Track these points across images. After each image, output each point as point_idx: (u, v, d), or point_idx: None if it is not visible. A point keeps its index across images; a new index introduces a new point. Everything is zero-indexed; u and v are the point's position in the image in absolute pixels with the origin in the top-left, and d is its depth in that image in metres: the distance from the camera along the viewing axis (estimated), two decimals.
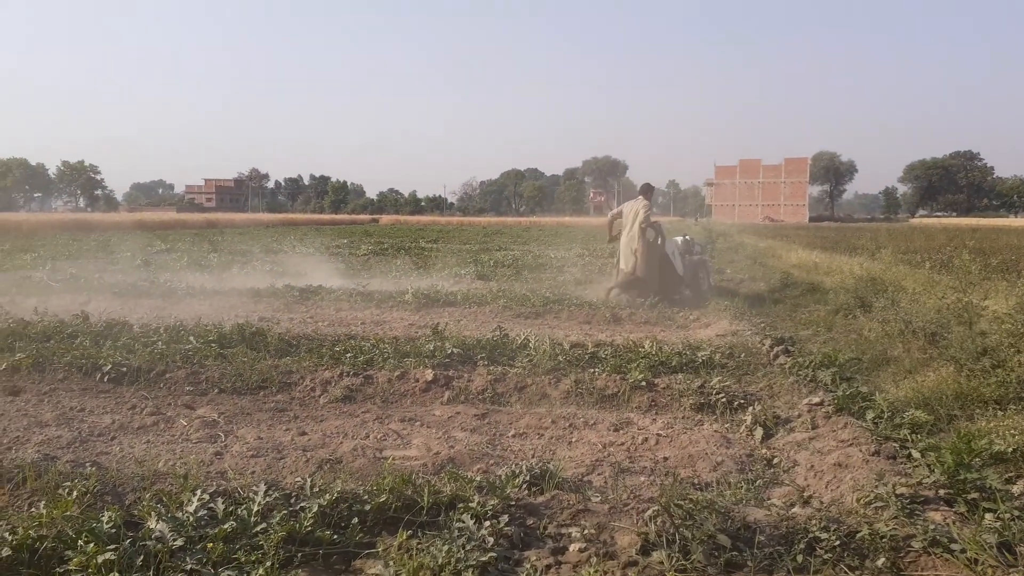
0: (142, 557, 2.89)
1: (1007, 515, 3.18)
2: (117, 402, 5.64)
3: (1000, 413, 4.65)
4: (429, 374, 6.13)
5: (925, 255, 14.56)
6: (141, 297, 11.69)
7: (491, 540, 3.16)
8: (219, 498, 3.43)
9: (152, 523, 3.13)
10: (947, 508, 3.42)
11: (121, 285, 12.79)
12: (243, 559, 2.99)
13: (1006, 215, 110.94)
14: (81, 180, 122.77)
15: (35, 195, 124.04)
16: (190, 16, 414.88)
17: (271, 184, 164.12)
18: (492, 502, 3.46)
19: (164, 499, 3.44)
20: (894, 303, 7.67)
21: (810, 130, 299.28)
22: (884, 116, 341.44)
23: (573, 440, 4.97)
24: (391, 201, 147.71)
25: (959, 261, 7.00)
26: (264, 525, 3.20)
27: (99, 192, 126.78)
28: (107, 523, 3.08)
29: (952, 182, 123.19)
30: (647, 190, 12.03)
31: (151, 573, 2.83)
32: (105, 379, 6.15)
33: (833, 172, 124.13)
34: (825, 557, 3.07)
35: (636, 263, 11.18)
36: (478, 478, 3.75)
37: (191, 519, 3.19)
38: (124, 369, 6.26)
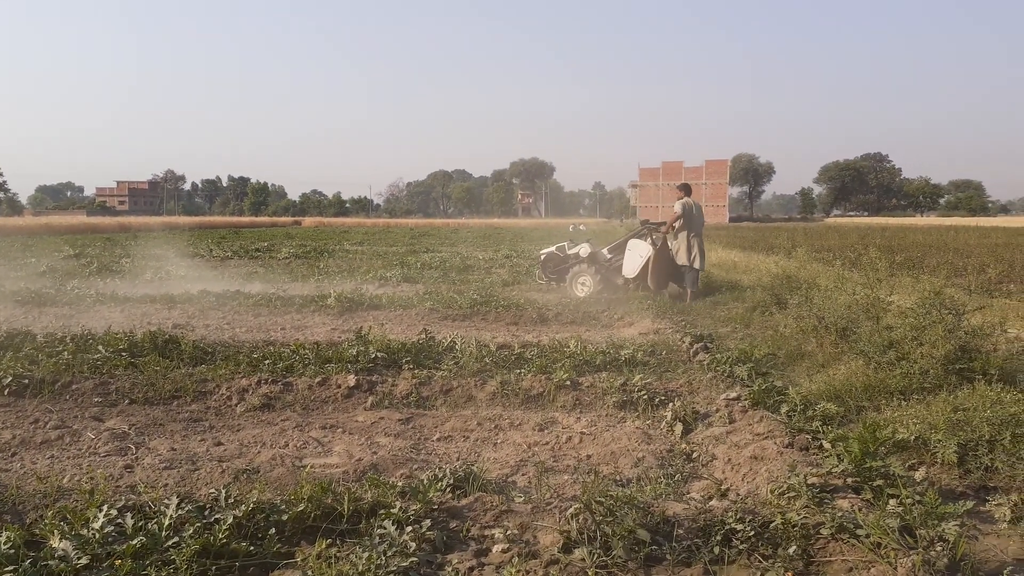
0: None
1: (908, 500, 3.33)
2: (18, 416, 5.35)
3: (904, 403, 4.87)
4: (352, 379, 6.03)
5: (837, 253, 15.18)
6: (46, 305, 11.14)
7: (413, 545, 3.12)
8: (128, 513, 3.29)
9: (55, 541, 2.98)
10: (854, 496, 3.56)
11: (24, 293, 12.14)
12: (154, 575, 2.87)
13: (912, 214, 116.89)
14: None
15: None
16: (102, 8, 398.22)
17: (187, 186, 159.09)
18: (414, 507, 3.43)
19: (68, 516, 3.28)
20: (808, 300, 7.95)
21: (730, 133, 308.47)
22: (801, 118, 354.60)
23: (499, 441, 4.97)
24: (314, 203, 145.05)
25: (867, 259, 7.28)
26: (176, 539, 3.08)
27: (1, 195, 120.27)
28: (5, 544, 2.92)
29: (863, 183, 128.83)
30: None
31: None
32: (5, 392, 5.83)
33: (752, 173, 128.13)
34: (740, 548, 3.16)
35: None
36: (400, 483, 3.71)
37: (97, 536, 3.05)
38: (26, 381, 5.95)
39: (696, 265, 11.79)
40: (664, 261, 11.96)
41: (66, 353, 6.78)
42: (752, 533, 3.19)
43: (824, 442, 4.21)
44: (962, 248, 22.03)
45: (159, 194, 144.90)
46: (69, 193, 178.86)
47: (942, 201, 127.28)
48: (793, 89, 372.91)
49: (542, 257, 13.33)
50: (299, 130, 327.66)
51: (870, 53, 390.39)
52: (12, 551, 2.88)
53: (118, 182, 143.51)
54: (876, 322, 6.24)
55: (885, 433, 3.88)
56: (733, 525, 3.26)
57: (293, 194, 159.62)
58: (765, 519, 3.30)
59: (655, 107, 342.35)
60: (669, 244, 12.17)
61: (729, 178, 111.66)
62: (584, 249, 12.60)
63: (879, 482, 3.56)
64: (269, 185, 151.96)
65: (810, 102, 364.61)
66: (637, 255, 12.04)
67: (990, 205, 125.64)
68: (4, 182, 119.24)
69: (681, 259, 11.92)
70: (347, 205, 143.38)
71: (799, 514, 3.26)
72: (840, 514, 3.18)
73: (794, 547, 3.08)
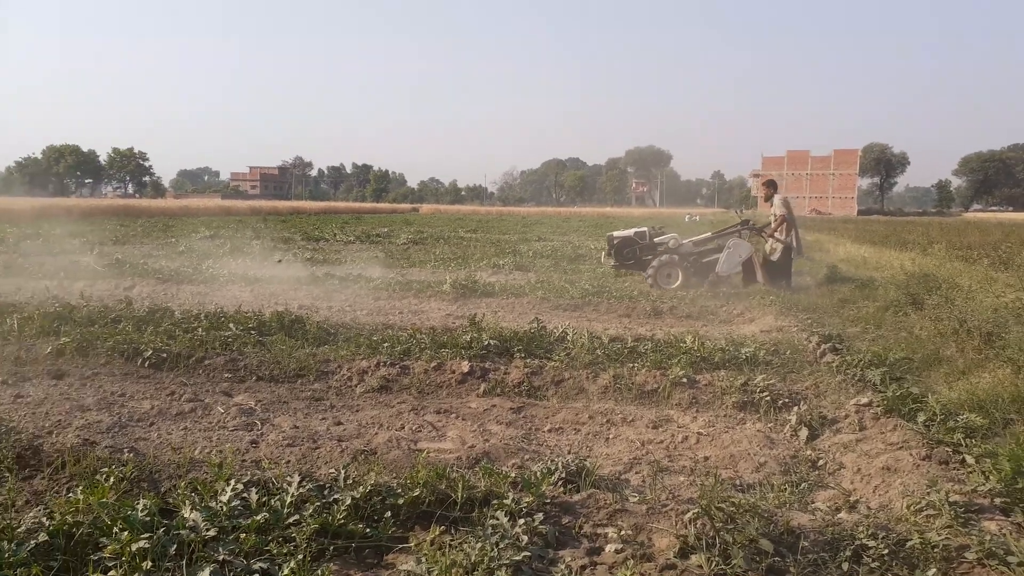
0: (175, 546, 2.88)
1: None
2: (157, 387, 5.70)
3: None
4: (465, 366, 6.08)
5: (980, 251, 14.08)
6: (183, 283, 11.87)
7: (525, 539, 3.09)
8: (253, 488, 3.41)
9: (186, 512, 3.13)
10: (1003, 518, 3.26)
11: (165, 271, 13.01)
12: (275, 551, 2.97)
13: None
14: (130, 167, 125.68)
15: (86, 181, 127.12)
16: (235, 3, 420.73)
17: (314, 172, 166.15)
18: (527, 499, 3.39)
19: (199, 488, 3.44)
20: (948, 301, 7.39)
21: (862, 121, 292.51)
22: (939, 108, 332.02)
23: (611, 437, 4.88)
24: (431, 190, 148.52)
25: (1021, 259, 6.69)
26: (297, 517, 3.17)
27: (147, 179, 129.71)
28: (142, 511, 3.08)
29: (1009, 175, 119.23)
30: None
31: (184, 563, 2.81)
32: (146, 364, 6.23)
33: (884, 164, 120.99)
34: (872, 566, 2.95)
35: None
36: (513, 474, 3.68)
37: (224, 509, 3.17)
38: (164, 355, 6.33)
39: (794, 256, 11.82)
40: (760, 261, 11.77)
41: (200, 329, 7.18)
42: (886, 551, 2.97)
43: (967, 456, 3.88)
44: None
45: (287, 179, 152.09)
46: (206, 177, 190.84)
47: None
48: (933, 77, 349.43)
49: (615, 240, 12.70)
50: (420, 119, 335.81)
51: (1014, 39, 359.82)
52: (148, 519, 3.04)
53: (250, 167, 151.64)
54: None
55: None
56: (864, 541, 3.04)
57: (412, 181, 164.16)
58: (900, 537, 3.07)
59: (781, 94, 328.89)
60: (768, 244, 12.00)
61: (859, 168, 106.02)
62: (674, 240, 12.27)
63: None
64: (390, 172, 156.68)
65: (951, 90, 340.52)
66: (737, 255, 11.68)
67: None
68: (150, 166, 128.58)
69: (777, 256, 11.75)
70: (462, 192, 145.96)
71: (940, 534, 3.01)
72: (988, 537, 2.91)
73: (933, 570, 2.84)
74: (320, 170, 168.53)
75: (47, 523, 2.95)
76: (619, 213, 72.92)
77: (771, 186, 12.66)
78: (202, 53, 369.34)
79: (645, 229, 12.86)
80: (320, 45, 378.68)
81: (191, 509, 3.14)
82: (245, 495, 3.34)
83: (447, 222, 42.93)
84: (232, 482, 3.38)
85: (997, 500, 3.35)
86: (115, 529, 2.94)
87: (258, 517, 3.11)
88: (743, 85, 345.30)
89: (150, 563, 2.76)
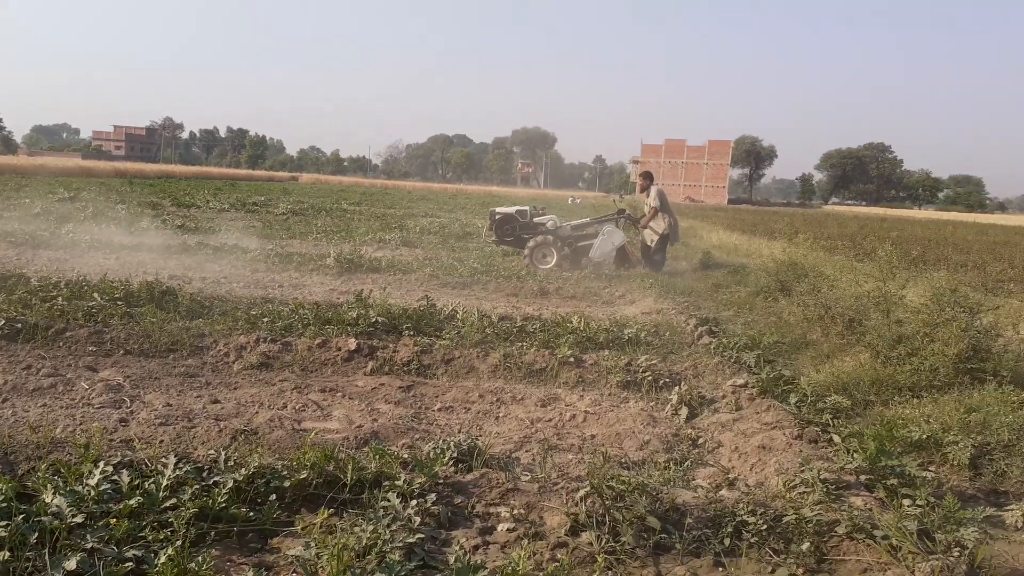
0: (36, 534, 2.65)
1: (924, 502, 3.27)
2: (11, 361, 5.23)
3: (915, 400, 4.81)
4: (352, 343, 5.92)
5: (840, 242, 15.08)
6: (40, 248, 10.97)
7: (418, 520, 3.04)
8: (124, 470, 3.19)
9: (48, 496, 2.88)
10: (867, 494, 3.50)
11: (18, 234, 11.97)
12: (151, 537, 2.78)
13: (911, 207, 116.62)
14: None
15: None
16: None
17: (185, 135, 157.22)
18: (419, 480, 3.34)
19: (62, 470, 3.18)
20: (815, 288, 7.86)
21: (734, 114, 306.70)
22: (805, 105, 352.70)
23: (501, 415, 4.89)
24: (312, 159, 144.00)
25: (883, 251, 7.18)
26: (174, 500, 2.99)
27: None
28: None
29: (864, 172, 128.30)
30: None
31: (46, 552, 2.59)
32: None
33: (754, 156, 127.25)
34: (752, 541, 3.09)
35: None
36: (404, 454, 3.62)
37: (92, 493, 2.95)
38: (19, 325, 5.82)
39: (668, 244, 12.51)
40: (631, 248, 12.40)
41: (60, 299, 6.65)
42: (764, 527, 3.12)
43: (834, 436, 4.14)
44: (961, 244, 21.95)
45: (156, 141, 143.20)
46: (65, 135, 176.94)
47: (941, 195, 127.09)
48: (799, 75, 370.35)
49: (497, 216, 12.91)
50: (300, 85, 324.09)
51: (879, 43, 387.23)
52: (4, 504, 2.78)
53: (115, 127, 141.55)
54: (886, 315, 6.15)
55: (903, 432, 3.80)
56: (744, 517, 3.19)
57: (291, 149, 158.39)
58: (777, 513, 3.23)
59: (660, 86, 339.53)
60: (644, 233, 12.56)
61: (731, 159, 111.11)
62: (552, 221, 12.55)
63: (893, 481, 3.49)
64: (267, 139, 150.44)
65: (815, 89, 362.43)
66: (610, 242, 12.13)
67: (988, 202, 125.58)
68: (0, 120, 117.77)
69: (653, 244, 12.35)
70: (345, 164, 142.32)
71: (812, 510, 3.19)
72: (856, 513, 3.12)
73: (807, 544, 3.01)
74: (192, 132, 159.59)
75: None
76: (505, 192, 73.27)
77: (648, 178, 13.20)
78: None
79: (527, 208, 13.02)
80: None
81: (54, 493, 2.90)
82: (115, 478, 3.12)
83: (329, 193, 41.74)
84: (100, 464, 3.14)
85: (862, 477, 3.58)
86: None
87: (131, 501, 2.91)
88: (627, 73, 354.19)
89: (7, 553, 2.52)
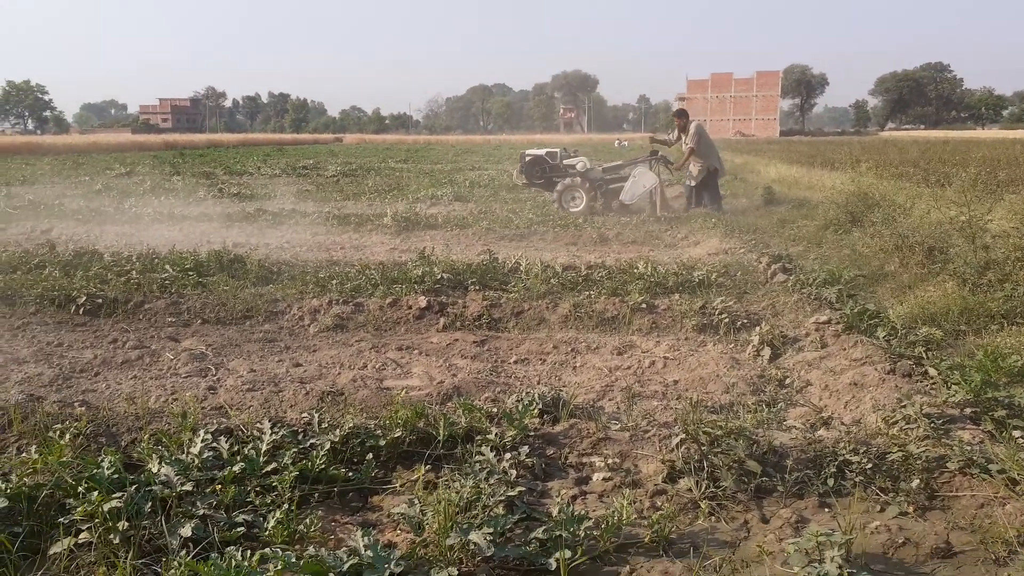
0: (150, 503, 2.71)
1: None
2: (96, 336, 5.38)
3: (1011, 327, 4.60)
4: (422, 300, 5.93)
5: (909, 168, 14.50)
6: (106, 223, 11.23)
7: (513, 473, 3.04)
8: (222, 437, 3.25)
9: (155, 466, 2.95)
10: (974, 427, 3.37)
11: (84, 211, 12.29)
12: (257, 501, 2.84)
13: (973, 127, 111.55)
14: (28, 101, 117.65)
15: None
16: None
17: (228, 103, 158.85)
18: (510, 433, 3.33)
19: (163, 439, 3.26)
20: (889, 218, 7.57)
21: (782, 43, 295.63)
22: (856, 28, 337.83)
23: (577, 365, 4.85)
24: (354, 119, 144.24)
25: (966, 175, 6.84)
26: (274, 464, 3.04)
27: (48, 114, 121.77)
28: (108, 468, 2.88)
29: (922, 95, 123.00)
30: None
31: (160, 519, 2.66)
32: (80, 311, 5.86)
33: (804, 85, 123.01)
34: (856, 480, 3.01)
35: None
36: (493, 409, 3.60)
37: (196, 461, 3.01)
38: (100, 300, 5.97)
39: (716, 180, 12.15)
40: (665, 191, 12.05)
41: (134, 272, 6.79)
42: (869, 465, 3.03)
43: (930, 369, 3.99)
44: None
45: (201, 111, 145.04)
46: (113, 111, 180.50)
47: (1006, 113, 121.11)
48: None
49: (527, 158, 12.84)
50: (338, 45, 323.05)
51: None
52: (115, 476, 2.85)
53: (160, 99, 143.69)
54: (971, 241, 5.89)
55: (1010, 361, 3.64)
56: (847, 456, 3.10)
57: (333, 111, 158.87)
58: (881, 450, 3.13)
59: (706, 16, 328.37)
60: (689, 170, 12.23)
61: (780, 90, 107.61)
62: (582, 163, 12.34)
63: (1001, 413, 3.35)
64: (309, 102, 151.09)
65: (866, 11, 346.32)
66: (641, 184, 11.86)
67: None
68: (50, 100, 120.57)
69: (699, 179, 11.97)
70: (386, 122, 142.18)
71: (918, 446, 3.09)
72: (967, 447, 3.00)
73: (917, 481, 2.91)
74: (235, 100, 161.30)
75: (4, 487, 2.73)
76: (549, 139, 72.37)
77: (683, 115, 12.57)
78: None
79: (557, 150, 12.94)
80: None
81: (160, 463, 2.96)
82: (215, 445, 3.18)
83: (374, 152, 41.80)
84: (200, 432, 3.21)
85: (967, 410, 3.45)
86: (81, 489, 2.75)
87: (234, 468, 2.96)
88: (668, 7, 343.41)
89: (126, 523, 2.59)
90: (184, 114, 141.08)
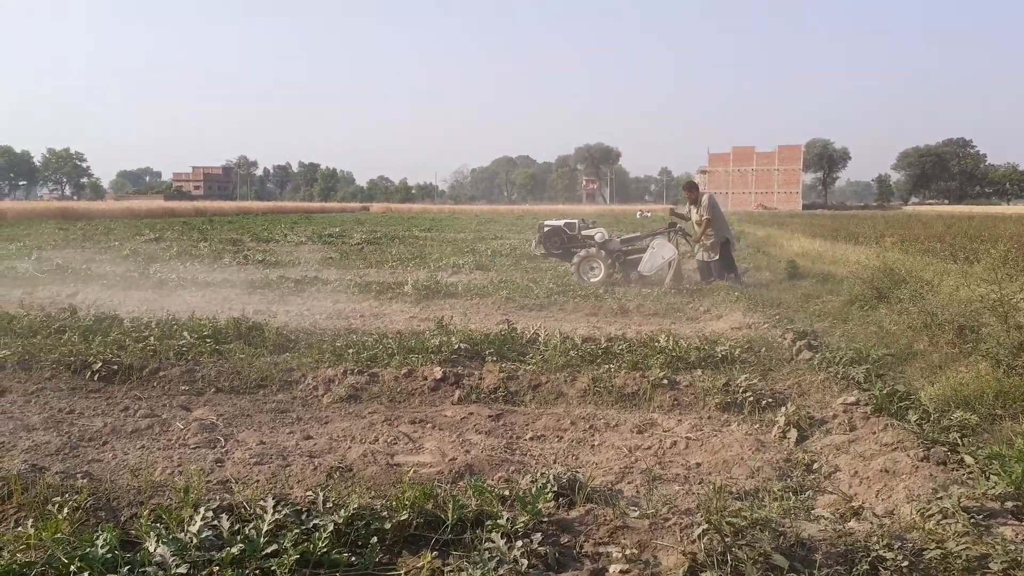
0: None
1: None
2: (109, 403, 5.32)
3: None
4: (438, 372, 5.83)
5: (935, 243, 14.33)
6: (131, 288, 11.33)
7: (525, 562, 2.88)
8: (224, 514, 3.13)
9: (151, 545, 2.83)
10: (1016, 522, 3.16)
11: (110, 276, 12.43)
12: None
13: (998, 203, 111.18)
14: (67, 168, 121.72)
15: (20, 183, 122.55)
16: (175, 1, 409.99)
17: (259, 172, 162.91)
18: (522, 518, 3.17)
19: (163, 516, 3.14)
20: (917, 295, 7.40)
21: (804, 118, 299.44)
22: (878, 104, 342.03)
23: (596, 443, 4.69)
24: (381, 189, 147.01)
25: (995, 251, 6.70)
26: (275, 546, 2.90)
27: (85, 180, 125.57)
28: (102, 546, 2.77)
29: (945, 169, 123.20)
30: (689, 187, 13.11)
31: None
32: (95, 377, 5.83)
33: (826, 159, 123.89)
34: None
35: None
36: (505, 491, 3.46)
37: (194, 540, 2.88)
38: (115, 367, 5.94)
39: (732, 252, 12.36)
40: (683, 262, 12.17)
41: (152, 338, 6.77)
42: (905, 563, 2.83)
43: (966, 457, 3.80)
44: None
45: (232, 179, 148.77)
46: (148, 178, 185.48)
47: None
48: (872, 74, 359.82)
49: (545, 229, 12.92)
50: (367, 116, 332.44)
51: (950, 39, 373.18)
52: (109, 555, 2.74)
53: (193, 167, 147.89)
54: (1004, 321, 5.70)
55: None
56: (880, 552, 2.91)
57: (361, 180, 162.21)
58: (917, 547, 2.94)
59: (727, 91, 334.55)
60: (700, 247, 12.32)
61: (803, 163, 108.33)
62: (601, 234, 12.34)
63: None
64: (338, 171, 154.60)
65: (889, 87, 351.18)
66: (660, 256, 11.90)
67: None
68: (88, 167, 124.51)
69: (716, 254, 12.04)
70: (413, 191, 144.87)
71: (958, 543, 2.89)
72: (1012, 546, 2.80)
73: None
74: (266, 169, 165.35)
75: None
76: (571, 210, 73.02)
77: (692, 188, 12.82)
78: (137, 48, 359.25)
79: (575, 221, 13.00)
80: (263, 37, 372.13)
81: (157, 542, 2.85)
82: (215, 523, 3.05)
83: (400, 221, 42.39)
84: (201, 509, 3.09)
85: (1008, 504, 3.25)
86: (73, 568, 2.64)
87: (233, 549, 2.83)
88: (689, 82, 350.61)
89: None
90: (216, 182, 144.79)
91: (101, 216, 40.64)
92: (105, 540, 2.83)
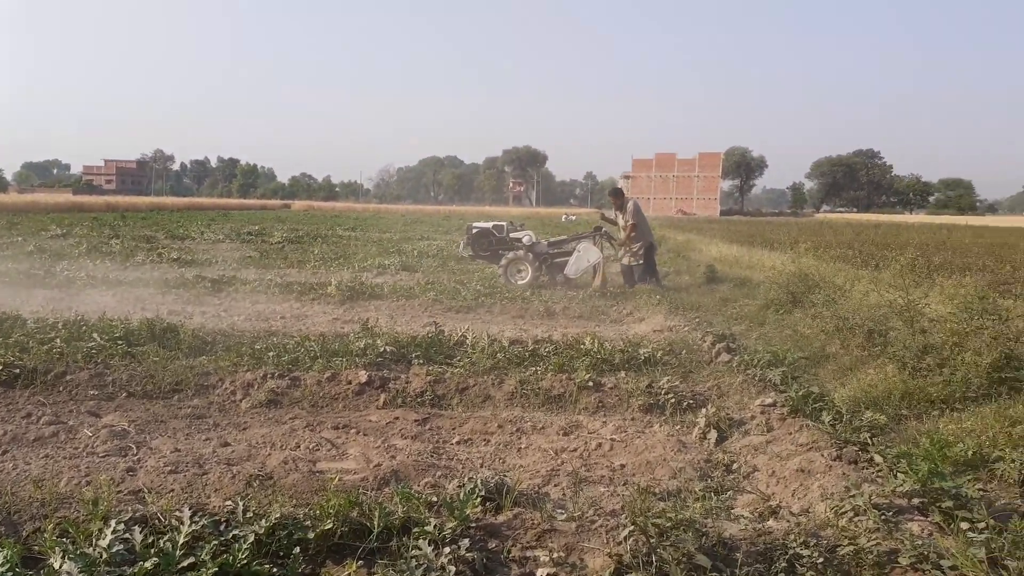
0: None
1: (982, 525, 3.09)
2: (9, 409, 5.02)
3: (952, 413, 4.63)
4: (363, 375, 5.73)
5: (846, 250, 14.94)
6: (35, 287, 10.75)
7: (452, 569, 2.85)
8: (136, 527, 2.99)
9: (56, 561, 2.68)
10: (922, 518, 3.31)
11: (11, 273, 11.76)
12: None
13: (902, 212, 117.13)
14: None
15: None
16: None
17: (176, 166, 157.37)
18: (450, 524, 3.14)
19: (70, 529, 2.98)
20: (830, 300, 7.70)
21: (724, 126, 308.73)
22: (793, 115, 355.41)
23: (523, 446, 4.69)
24: (304, 186, 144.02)
25: (904, 259, 7.05)
26: (192, 559, 2.79)
27: None
28: (2, 564, 2.61)
29: (855, 179, 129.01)
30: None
31: None
32: None
33: (744, 167, 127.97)
34: (808, 575, 2.90)
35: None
36: (432, 497, 3.42)
37: (104, 555, 2.75)
38: (17, 370, 5.61)
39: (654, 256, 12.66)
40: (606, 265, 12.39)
41: (58, 340, 6.43)
42: (820, 559, 2.94)
43: (876, 456, 3.96)
44: (959, 247, 21.85)
45: (147, 174, 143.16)
46: (55, 171, 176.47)
47: (931, 199, 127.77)
48: (788, 84, 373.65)
49: (474, 231, 13.02)
50: (289, 112, 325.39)
51: (866, 51, 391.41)
52: (9, 572, 2.58)
53: (105, 160, 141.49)
54: (910, 325, 5.99)
55: (956, 450, 3.63)
56: (797, 550, 3.00)
57: (283, 177, 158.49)
58: (831, 543, 3.05)
59: (651, 98, 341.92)
60: (625, 251, 12.55)
61: (721, 171, 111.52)
62: (528, 237, 12.51)
63: (948, 503, 3.31)
64: (259, 167, 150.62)
65: (803, 99, 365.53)
66: (585, 259, 12.10)
67: (978, 204, 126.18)
68: None
69: (641, 258, 12.34)
70: (337, 189, 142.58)
71: (869, 539, 3.01)
72: (919, 541, 2.93)
73: None
74: (183, 164, 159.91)
75: None
76: (498, 212, 73.25)
77: (619, 195, 13.07)
78: (48, 34, 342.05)
79: (504, 223, 13.10)
80: (184, 25, 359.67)
81: (63, 558, 2.70)
82: (127, 536, 2.91)
83: (323, 220, 41.57)
84: (112, 522, 2.94)
85: (915, 500, 3.40)
86: None
87: (146, 563, 2.71)
88: (614, 88, 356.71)
89: None
90: (129, 176, 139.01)
91: (3, 210, 38.41)
92: (5, 557, 2.66)
